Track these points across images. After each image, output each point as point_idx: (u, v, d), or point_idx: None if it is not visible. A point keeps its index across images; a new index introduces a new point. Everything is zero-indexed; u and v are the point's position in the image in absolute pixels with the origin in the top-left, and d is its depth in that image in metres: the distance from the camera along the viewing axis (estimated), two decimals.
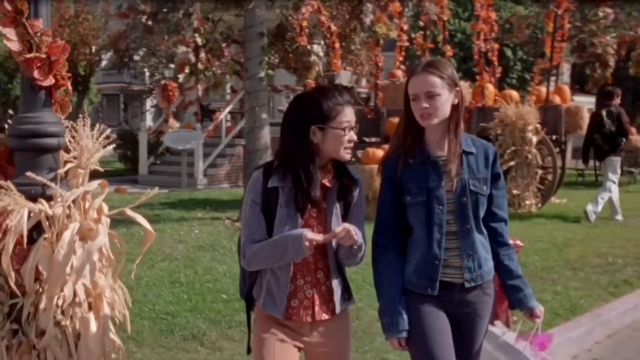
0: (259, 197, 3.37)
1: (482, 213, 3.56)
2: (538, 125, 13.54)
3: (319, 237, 3.27)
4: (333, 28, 15.48)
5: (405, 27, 15.71)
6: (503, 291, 3.72)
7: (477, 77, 14.94)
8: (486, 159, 3.60)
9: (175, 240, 10.26)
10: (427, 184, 3.50)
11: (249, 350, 3.57)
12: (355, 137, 3.42)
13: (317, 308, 3.42)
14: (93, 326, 3.61)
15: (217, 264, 8.74)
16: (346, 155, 3.41)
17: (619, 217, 12.70)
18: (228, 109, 22.37)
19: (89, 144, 3.58)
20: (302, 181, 3.33)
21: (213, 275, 8.13)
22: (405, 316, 3.48)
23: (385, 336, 3.54)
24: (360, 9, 13.11)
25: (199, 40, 12.40)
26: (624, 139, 12.72)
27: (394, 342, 3.51)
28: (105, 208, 3.79)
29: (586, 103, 40.29)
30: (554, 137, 14.29)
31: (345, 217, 3.44)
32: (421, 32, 15.67)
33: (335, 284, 3.47)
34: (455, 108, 3.53)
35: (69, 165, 3.61)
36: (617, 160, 12.67)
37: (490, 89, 14.95)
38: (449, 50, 15.64)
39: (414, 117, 3.51)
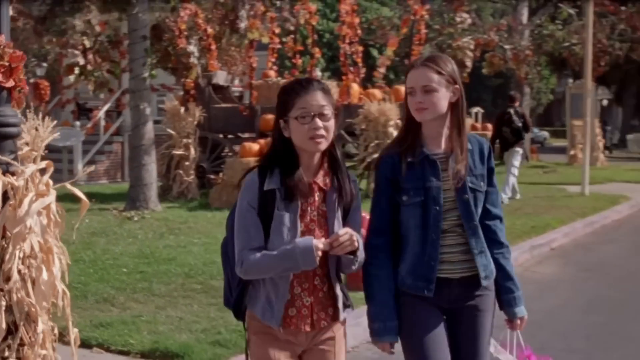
0: (256, 200, 3.22)
1: (480, 210, 3.56)
2: (399, 121, 14.98)
3: (327, 245, 3.16)
4: (209, 30, 16.54)
5: (277, 31, 16.91)
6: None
7: (343, 77, 16.27)
8: (481, 155, 3.59)
9: (69, 228, 11.08)
10: (425, 184, 3.47)
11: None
12: (319, 124, 3.19)
13: (315, 316, 3.31)
14: (45, 274, 4.62)
15: (112, 246, 9.72)
16: (313, 145, 3.21)
17: (518, 195, 16.00)
18: (106, 107, 23.04)
19: (41, 131, 4.60)
20: (285, 179, 3.21)
21: (111, 254, 9.12)
22: (396, 321, 3.47)
23: (373, 339, 3.51)
24: (236, 15, 14.24)
25: (87, 43, 13.25)
26: (527, 133, 16.32)
27: (385, 346, 3.49)
28: (51, 182, 4.82)
29: None
30: None
31: (344, 221, 3.34)
32: (291, 36, 16.91)
33: (337, 290, 3.36)
34: (454, 105, 3.50)
35: (25, 149, 4.62)
36: (520, 150, 15.73)
37: (355, 88, 16.33)
38: (317, 52, 16.95)
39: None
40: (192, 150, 15.55)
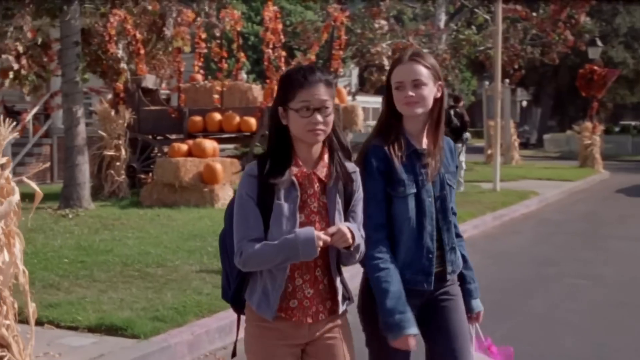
0: (255, 190, 3.19)
1: (452, 206, 3.60)
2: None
3: (328, 238, 3.11)
4: (138, 36, 17.14)
5: (204, 36, 17.60)
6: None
7: (267, 80, 17.05)
8: (451, 152, 3.63)
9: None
10: (417, 177, 3.47)
11: (234, 354, 3.47)
12: (319, 119, 3.13)
13: (314, 308, 3.25)
14: (6, 256, 5.32)
15: (51, 240, 10.34)
16: (311, 137, 3.16)
17: (462, 188, 17.49)
18: (34, 110, 23.33)
19: (2, 130, 5.29)
20: (273, 164, 3.18)
21: (51, 248, 9.75)
22: (412, 312, 3.39)
23: (393, 336, 3.36)
24: (163, 22, 14.91)
25: (20, 48, 13.76)
26: (466, 132, 18.28)
27: (404, 340, 3.35)
28: (11, 176, 5.51)
29: (367, 102, 43.68)
30: None
31: (345, 213, 3.29)
32: (217, 41, 17.63)
33: (337, 282, 3.30)
34: (437, 101, 3.49)
35: None
36: (459, 147, 17.37)
37: None
38: (242, 56, 17.71)
39: (395, 109, 3.49)
40: (123, 151, 16.12)
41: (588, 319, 7.60)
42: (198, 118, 16.82)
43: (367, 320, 3.52)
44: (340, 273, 3.33)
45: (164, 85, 20.98)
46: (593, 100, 29.82)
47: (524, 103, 63.51)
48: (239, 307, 3.36)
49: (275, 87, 15.34)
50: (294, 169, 3.20)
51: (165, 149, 16.60)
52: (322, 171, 3.24)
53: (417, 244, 3.46)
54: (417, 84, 3.41)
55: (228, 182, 15.21)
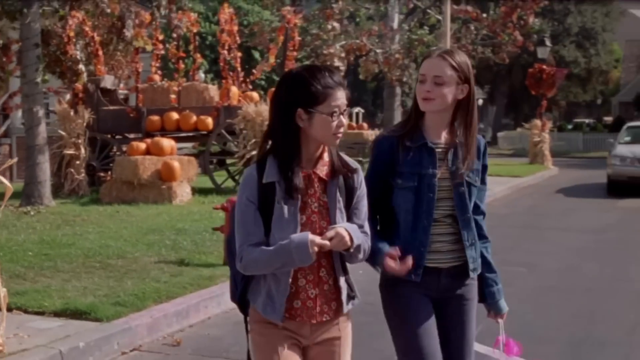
0: (255, 194, 3.19)
1: (472, 203, 3.61)
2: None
3: (326, 243, 3.12)
4: (96, 37, 17.53)
5: (161, 38, 18.04)
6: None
7: (224, 80, 17.54)
8: (478, 151, 3.60)
9: None
10: (420, 170, 3.48)
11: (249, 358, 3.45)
12: (344, 122, 3.21)
13: (318, 308, 3.27)
14: None
15: (15, 236, 10.77)
16: (334, 140, 3.21)
17: None
18: None
19: None
20: (284, 169, 3.17)
21: (15, 242, 10.19)
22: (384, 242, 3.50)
23: (378, 262, 3.50)
24: (122, 24, 15.35)
25: None
26: None
27: (391, 255, 3.45)
28: None
29: None
30: None
31: (348, 210, 3.31)
32: (174, 43, 18.09)
33: (341, 282, 3.32)
34: (460, 102, 3.49)
35: None
36: None
37: (235, 90, 17.64)
38: (198, 57, 18.19)
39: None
40: (82, 150, 16.52)
41: (518, 302, 8.22)
42: (156, 117, 17.29)
43: (390, 314, 3.64)
44: (345, 272, 3.34)
45: (122, 85, 21.34)
46: (543, 99, 30.67)
47: (480, 102, 64.61)
48: (245, 307, 3.40)
49: (231, 87, 15.89)
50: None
51: (124, 148, 17.03)
52: (322, 170, 3.25)
53: (412, 235, 3.51)
54: (438, 82, 3.43)
55: (186, 179, 15.70)
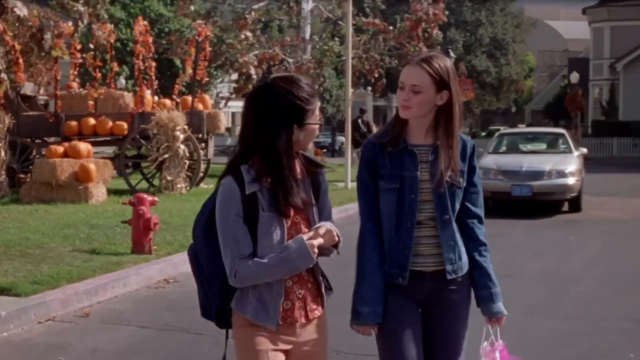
0: (240, 208, 3.21)
1: (458, 205, 3.58)
2: (185, 126, 17.59)
3: (321, 240, 3.22)
4: (17, 46, 18.44)
5: (79, 47, 19.06)
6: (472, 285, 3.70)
7: (138, 89, 18.68)
8: (463, 152, 3.59)
9: None
10: (402, 172, 3.50)
11: None
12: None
13: (308, 307, 3.33)
14: None
15: None
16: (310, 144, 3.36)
17: None
18: None
19: None
20: (285, 184, 3.22)
21: None
22: (383, 306, 3.52)
23: (358, 322, 3.56)
24: (42, 35, 16.39)
25: None
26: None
27: (367, 329, 3.55)
28: None
29: (238, 107, 45.54)
30: (199, 135, 18.55)
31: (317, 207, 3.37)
32: (92, 52, 19.16)
33: (319, 276, 3.39)
34: (441, 108, 3.50)
35: None
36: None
37: (149, 97, 18.81)
38: (115, 66, 19.30)
39: None
40: (3, 153, 17.39)
41: None
42: (74, 122, 18.31)
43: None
44: (318, 267, 3.39)
45: (42, 91, 22.21)
46: None
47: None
48: (224, 321, 3.40)
49: (146, 95, 17.05)
50: None
51: (43, 151, 17.97)
52: (297, 170, 3.31)
53: (396, 237, 3.53)
54: (415, 90, 3.45)
55: (102, 180, 16.80)
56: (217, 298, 3.35)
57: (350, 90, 22.32)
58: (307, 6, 30.17)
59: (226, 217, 3.21)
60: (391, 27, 30.06)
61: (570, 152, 17.84)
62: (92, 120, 18.24)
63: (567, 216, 16.55)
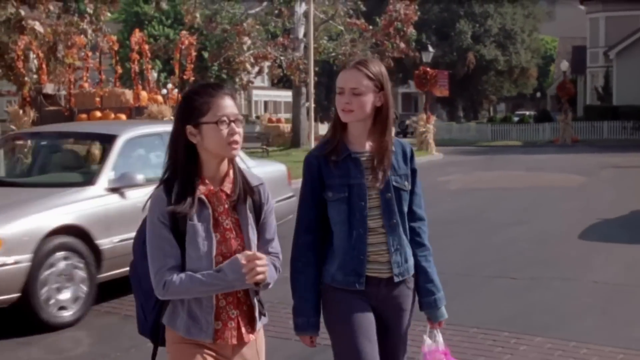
0: (166, 216, 3.07)
1: (405, 209, 3.59)
2: (172, 117, 21.48)
3: (259, 256, 3.09)
4: (41, 55, 22.88)
5: (90, 54, 23.45)
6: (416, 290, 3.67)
7: (135, 87, 22.96)
8: (404, 156, 3.63)
9: None
10: (349, 180, 3.50)
11: None
12: (238, 130, 3.10)
13: (242, 329, 3.21)
14: None
15: None
16: (231, 151, 3.10)
17: None
18: None
19: None
20: (179, 192, 3.08)
21: None
22: (318, 317, 3.58)
23: (297, 332, 3.61)
24: (56, 48, 20.79)
25: None
26: None
27: (306, 339, 3.62)
28: None
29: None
30: None
31: (257, 226, 3.25)
32: (97, 59, 23.57)
33: (254, 300, 3.25)
34: (379, 110, 3.51)
35: None
36: None
37: (144, 94, 22.99)
38: (119, 70, 23.68)
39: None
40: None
41: None
42: (84, 115, 22.02)
43: (331, 319, 3.66)
44: (257, 292, 3.27)
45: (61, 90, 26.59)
46: (427, 96, 36.33)
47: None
48: (157, 337, 3.32)
49: (141, 92, 21.62)
50: (202, 188, 3.13)
51: None
52: (229, 187, 3.18)
53: (349, 245, 3.52)
54: (355, 92, 3.46)
55: None
56: (153, 312, 3.28)
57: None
58: (300, 9, 34.15)
59: (151, 224, 3.12)
60: (371, 27, 33.90)
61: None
62: (98, 114, 21.97)
63: None
